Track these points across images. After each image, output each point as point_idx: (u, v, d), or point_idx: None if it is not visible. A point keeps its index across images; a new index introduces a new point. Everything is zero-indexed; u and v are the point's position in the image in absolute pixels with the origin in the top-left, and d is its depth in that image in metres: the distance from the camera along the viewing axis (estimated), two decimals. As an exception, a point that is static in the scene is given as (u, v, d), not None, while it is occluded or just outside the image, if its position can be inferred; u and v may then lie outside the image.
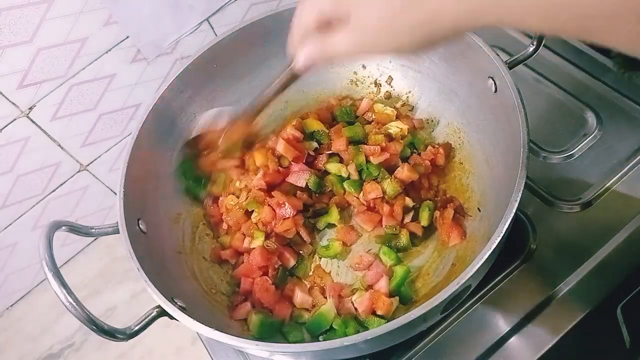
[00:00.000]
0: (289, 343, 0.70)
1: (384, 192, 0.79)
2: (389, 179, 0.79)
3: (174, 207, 0.83)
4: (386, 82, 0.91)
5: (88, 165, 0.97)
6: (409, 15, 0.44)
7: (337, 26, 0.49)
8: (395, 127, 0.85)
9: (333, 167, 0.84)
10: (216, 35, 0.98)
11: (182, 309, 0.62)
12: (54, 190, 0.96)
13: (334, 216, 0.81)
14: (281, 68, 0.64)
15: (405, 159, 0.83)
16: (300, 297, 0.75)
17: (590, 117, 0.87)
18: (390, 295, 0.73)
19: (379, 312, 0.71)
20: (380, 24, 0.45)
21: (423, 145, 0.85)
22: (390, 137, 0.85)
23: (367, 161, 0.82)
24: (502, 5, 0.40)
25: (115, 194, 0.83)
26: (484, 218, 0.75)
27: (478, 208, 0.77)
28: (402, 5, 0.44)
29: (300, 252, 0.81)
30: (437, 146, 0.84)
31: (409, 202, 0.79)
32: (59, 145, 0.91)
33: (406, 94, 0.90)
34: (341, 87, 0.93)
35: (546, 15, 0.38)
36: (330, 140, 0.86)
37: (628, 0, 0.34)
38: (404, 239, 0.77)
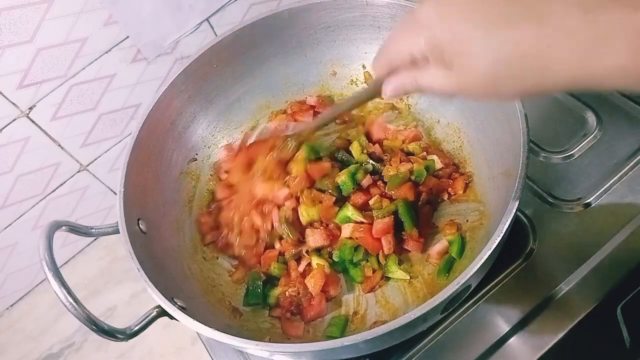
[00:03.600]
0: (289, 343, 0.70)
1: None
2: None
3: (174, 206, 0.83)
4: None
5: (88, 165, 0.97)
6: (515, 79, 0.43)
7: (434, 63, 0.48)
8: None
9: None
10: (216, 35, 0.98)
11: (182, 309, 0.62)
12: (54, 190, 0.96)
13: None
14: (368, 86, 0.65)
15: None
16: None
17: (590, 117, 0.87)
18: None
19: None
20: (488, 72, 0.44)
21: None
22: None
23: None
24: (627, 75, 0.39)
25: (115, 194, 0.83)
26: (484, 218, 0.75)
27: (478, 208, 0.77)
28: (510, 63, 0.42)
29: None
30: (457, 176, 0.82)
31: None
32: (59, 145, 0.91)
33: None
34: (341, 87, 0.93)
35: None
36: None
37: None
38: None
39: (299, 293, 0.75)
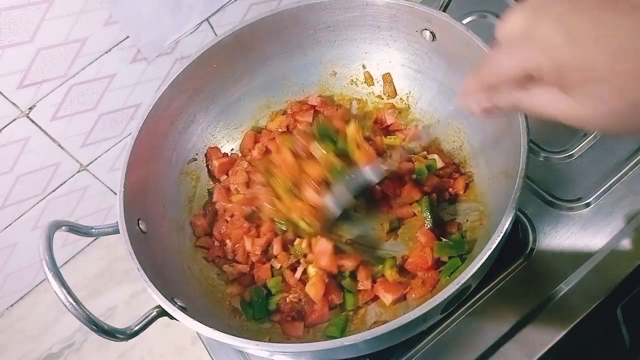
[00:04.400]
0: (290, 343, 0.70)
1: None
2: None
3: (174, 206, 0.83)
4: (386, 82, 0.91)
5: (88, 165, 0.97)
6: None
7: (548, 85, 0.42)
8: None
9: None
10: (216, 35, 0.98)
11: (182, 309, 0.62)
12: (54, 190, 0.96)
13: None
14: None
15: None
16: None
17: (590, 117, 0.87)
18: None
19: None
20: (619, 112, 0.39)
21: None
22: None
23: None
24: None
25: (115, 194, 0.83)
26: (484, 218, 0.75)
27: (478, 208, 0.77)
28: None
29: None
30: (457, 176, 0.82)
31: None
32: (59, 145, 0.91)
33: (406, 94, 0.90)
34: (341, 87, 0.93)
35: None
36: None
37: None
38: None
39: (300, 300, 0.75)
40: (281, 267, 0.78)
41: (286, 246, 0.80)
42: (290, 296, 0.75)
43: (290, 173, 0.71)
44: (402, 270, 0.74)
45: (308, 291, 0.74)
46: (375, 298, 0.74)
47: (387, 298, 0.72)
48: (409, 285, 0.72)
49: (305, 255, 0.78)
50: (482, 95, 0.49)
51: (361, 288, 0.74)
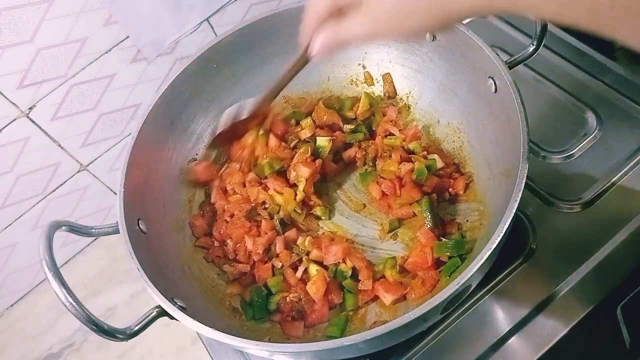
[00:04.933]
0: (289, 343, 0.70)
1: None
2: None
3: (174, 207, 0.83)
4: (386, 82, 0.91)
5: (88, 165, 0.97)
6: (421, 5, 0.45)
7: (350, 12, 0.50)
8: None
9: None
10: (216, 35, 0.98)
11: (182, 309, 0.62)
12: (54, 190, 0.96)
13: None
14: (294, 58, 0.66)
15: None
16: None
17: (590, 117, 0.87)
18: None
19: None
20: (394, 9, 0.46)
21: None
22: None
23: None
24: None
25: (115, 194, 0.83)
26: (484, 218, 0.75)
27: (478, 208, 0.77)
28: None
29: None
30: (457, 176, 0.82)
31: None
32: (59, 145, 0.91)
33: (406, 94, 0.90)
34: (341, 87, 0.93)
35: (561, 5, 0.38)
36: None
37: None
38: None
39: (300, 299, 0.74)
40: (282, 266, 0.78)
41: (288, 245, 0.80)
42: (291, 295, 0.75)
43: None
44: (402, 270, 0.74)
45: (309, 289, 0.74)
46: (375, 298, 0.74)
47: (387, 298, 0.72)
48: (409, 285, 0.72)
49: (307, 254, 0.78)
50: (316, 34, 0.55)
51: (362, 288, 0.74)
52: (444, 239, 0.75)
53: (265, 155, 0.84)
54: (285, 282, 0.77)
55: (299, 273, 0.76)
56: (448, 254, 0.72)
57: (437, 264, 0.73)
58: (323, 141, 0.86)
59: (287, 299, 0.75)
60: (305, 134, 0.87)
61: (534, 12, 0.41)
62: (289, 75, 0.70)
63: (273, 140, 0.87)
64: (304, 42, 0.58)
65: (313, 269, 0.76)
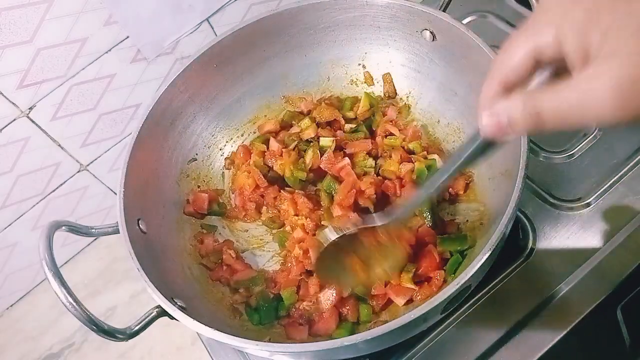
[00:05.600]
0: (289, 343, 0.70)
1: None
2: None
3: (174, 206, 0.83)
4: (386, 82, 0.91)
5: (88, 165, 0.97)
6: None
7: (576, 68, 0.33)
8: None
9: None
10: (216, 35, 0.98)
11: (182, 309, 0.62)
12: (54, 190, 0.96)
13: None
14: (468, 141, 0.48)
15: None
16: None
17: (590, 117, 0.87)
18: None
19: None
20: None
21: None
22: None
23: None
24: None
25: (115, 194, 0.83)
26: (484, 218, 0.75)
27: (478, 208, 0.77)
28: None
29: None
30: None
31: None
32: (59, 145, 0.91)
33: (406, 94, 0.90)
34: (341, 87, 0.93)
35: None
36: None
37: None
38: None
39: (312, 308, 0.74)
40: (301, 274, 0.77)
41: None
42: (304, 304, 0.74)
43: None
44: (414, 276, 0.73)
45: (322, 296, 0.73)
46: (390, 302, 0.73)
47: (400, 300, 0.71)
48: (419, 286, 0.72)
49: None
50: (496, 105, 0.37)
51: (375, 293, 0.73)
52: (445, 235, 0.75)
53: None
54: (304, 290, 0.76)
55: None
56: (451, 248, 0.72)
57: (442, 262, 0.73)
58: (327, 141, 0.86)
59: (300, 306, 0.74)
60: (308, 134, 0.87)
61: None
62: (459, 165, 0.51)
63: (274, 144, 0.86)
64: (482, 112, 0.39)
65: None
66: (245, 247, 0.84)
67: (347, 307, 0.73)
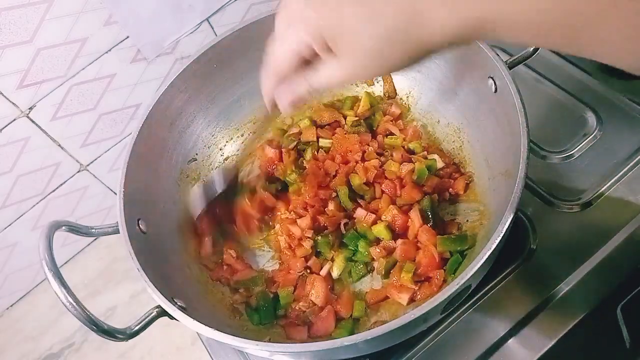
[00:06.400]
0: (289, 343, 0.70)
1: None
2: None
3: (174, 206, 0.83)
4: (386, 82, 0.91)
5: (88, 165, 0.97)
6: (399, 44, 0.43)
7: (317, 60, 0.48)
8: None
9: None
10: (216, 35, 0.98)
11: (182, 309, 0.62)
12: (54, 190, 0.96)
13: None
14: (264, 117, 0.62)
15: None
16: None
17: (590, 117, 0.87)
18: None
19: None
20: (372, 50, 0.44)
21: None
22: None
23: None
24: (494, 22, 0.39)
25: (115, 194, 0.83)
26: (484, 218, 0.75)
27: (478, 208, 0.77)
28: (389, 35, 0.43)
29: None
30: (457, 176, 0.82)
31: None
32: (59, 145, 0.91)
33: (406, 94, 0.90)
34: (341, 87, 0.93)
35: (538, 32, 0.39)
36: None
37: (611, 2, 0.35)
38: None
39: (308, 309, 0.74)
40: (303, 273, 0.78)
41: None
42: (300, 304, 0.75)
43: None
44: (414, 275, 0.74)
45: (312, 292, 0.74)
46: (385, 298, 0.74)
47: (403, 298, 0.71)
48: (419, 285, 0.72)
49: (332, 259, 0.78)
50: (282, 88, 0.53)
51: (372, 288, 0.74)
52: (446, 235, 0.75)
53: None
54: (300, 290, 0.76)
55: (324, 271, 0.77)
56: (451, 248, 0.72)
57: (442, 261, 0.73)
58: (327, 143, 0.86)
59: (297, 306, 0.75)
60: (308, 137, 0.87)
61: (514, 40, 0.41)
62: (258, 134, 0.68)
63: (269, 151, 0.87)
64: (269, 100, 0.57)
65: (337, 266, 0.77)
66: (245, 247, 0.84)
67: (343, 308, 0.73)
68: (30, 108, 0.85)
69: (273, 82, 0.54)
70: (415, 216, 0.75)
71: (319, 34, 0.46)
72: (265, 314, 0.75)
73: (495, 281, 0.76)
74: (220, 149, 0.92)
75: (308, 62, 0.50)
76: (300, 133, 0.90)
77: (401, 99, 0.91)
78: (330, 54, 0.47)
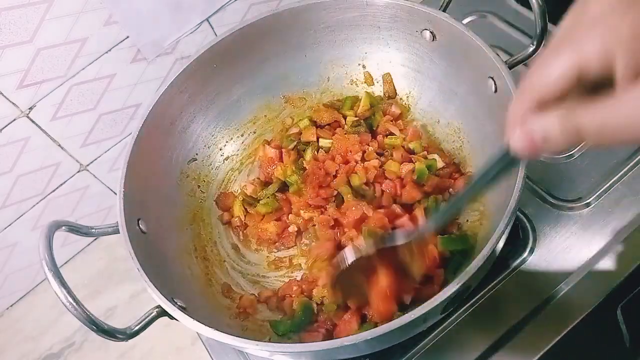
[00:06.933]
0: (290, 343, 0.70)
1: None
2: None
3: (174, 207, 0.83)
4: (386, 82, 0.91)
5: (88, 165, 0.97)
6: None
7: (605, 90, 0.32)
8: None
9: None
10: (216, 35, 0.98)
11: (182, 309, 0.62)
12: (54, 190, 0.96)
13: None
14: (493, 159, 0.48)
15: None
16: None
17: (591, 117, 0.87)
18: None
19: None
20: None
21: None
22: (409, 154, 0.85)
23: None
24: None
25: (115, 194, 0.83)
26: (484, 218, 0.75)
27: (478, 208, 0.77)
28: None
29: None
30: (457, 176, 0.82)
31: None
32: (59, 145, 0.91)
33: (406, 94, 0.90)
34: (341, 87, 0.93)
35: None
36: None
37: None
38: None
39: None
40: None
41: None
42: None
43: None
44: None
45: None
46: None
47: (407, 298, 0.71)
48: (419, 285, 0.72)
49: None
50: (529, 119, 0.36)
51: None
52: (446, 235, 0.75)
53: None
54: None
55: None
56: (451, 247, 0.72)
57: (442, 261, 0.73)
58: (327, 143, 0.86)
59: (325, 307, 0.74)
60: (308, 137, 0.87)
61: None
62: (485, 182, 0.49)
63: (270, 151, 0.86)
64: (514, 131, 0.39)
65: None
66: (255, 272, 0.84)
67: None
68: (30, 108, 0.85)
69: (525, 107, 0.37)
70: (419, 215, 0.75)
71: (630, 52, 0.30)
72: (297, 325, 0.73)
73: (496, 281, 0.76)
74: (220, 149, 0.92)
75: (581, 91, 0.34)
76: (300, 133, 0.90)
77: (401, 99, 0.91)
78: (633, 85, 0.31)
